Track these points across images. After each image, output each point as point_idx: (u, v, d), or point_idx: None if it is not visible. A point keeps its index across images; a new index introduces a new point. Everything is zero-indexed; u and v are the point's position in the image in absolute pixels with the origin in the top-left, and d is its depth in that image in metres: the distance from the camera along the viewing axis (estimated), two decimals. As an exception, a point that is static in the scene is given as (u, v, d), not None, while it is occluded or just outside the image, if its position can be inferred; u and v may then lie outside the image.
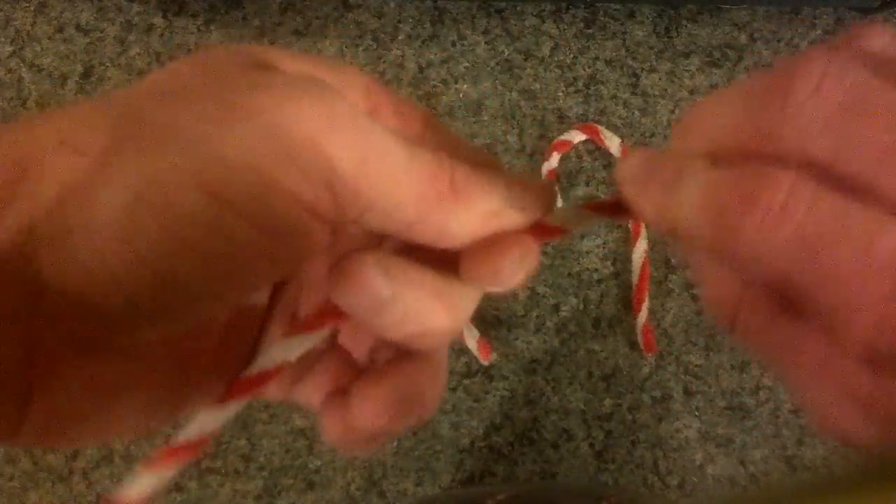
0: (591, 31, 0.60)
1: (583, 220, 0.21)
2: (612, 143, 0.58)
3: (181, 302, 0.17)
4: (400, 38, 0.60)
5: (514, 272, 0.19)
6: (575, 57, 0.60)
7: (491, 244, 0.19)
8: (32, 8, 0.61)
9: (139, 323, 0.17)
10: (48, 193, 0.16)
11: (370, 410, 0.20)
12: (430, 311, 0.19)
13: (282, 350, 0.20)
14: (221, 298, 0.17)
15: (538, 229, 0.20)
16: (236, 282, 0.17)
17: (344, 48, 0.60)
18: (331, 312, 0.20)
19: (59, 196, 0.16)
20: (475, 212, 0.19)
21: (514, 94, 0.59)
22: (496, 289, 0.19)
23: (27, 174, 0.16)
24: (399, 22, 0.61)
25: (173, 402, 0.20)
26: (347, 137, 0.17)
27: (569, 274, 0.57)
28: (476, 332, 0.56)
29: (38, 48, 0.61)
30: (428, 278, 0.19)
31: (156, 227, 0.16)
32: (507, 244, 0.19)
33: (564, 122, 0.59)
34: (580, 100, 0.59)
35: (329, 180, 0.17)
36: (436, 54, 0.60)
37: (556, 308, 0.57)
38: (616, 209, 0.20)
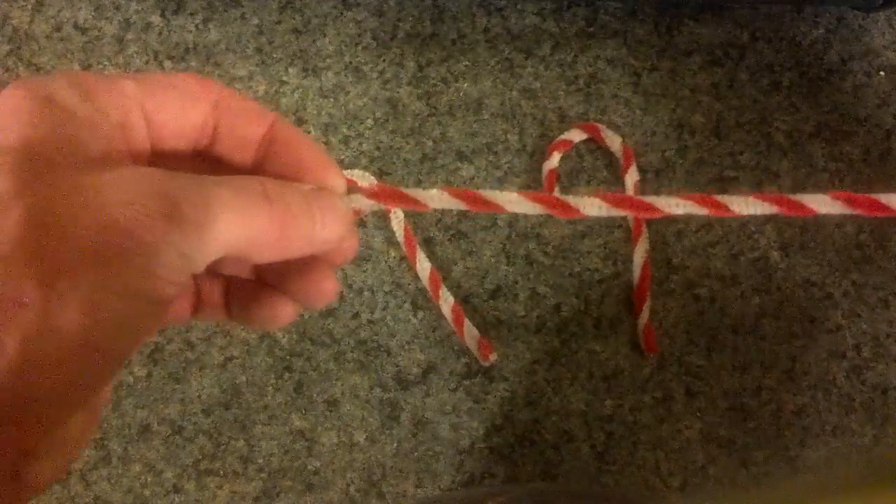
0: (591, 29, 0.60)
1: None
2: (614, 142, 0.57)
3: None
4: (399, 36, 0.60)
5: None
6: (576, 56, 0.59)
7: None
8: (30, 7, 0.61)
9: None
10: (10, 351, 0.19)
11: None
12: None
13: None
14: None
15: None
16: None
17: (343, 47, 0.60)
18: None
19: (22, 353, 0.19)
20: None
21: (515, 93, 0.59)
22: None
23: None
24: (398, 20, 0.60)
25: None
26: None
27: (569, 274, 0.57)
28: (476, 333, 0.55)
29: (36, 47, 0.61)
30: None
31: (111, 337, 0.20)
32: None
33: (565, 121, 0.59)
34: (581, 99, 0.59)
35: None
36: (435, 53, 0.60)
37: (557, 308, 0.57)
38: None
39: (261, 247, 0.23)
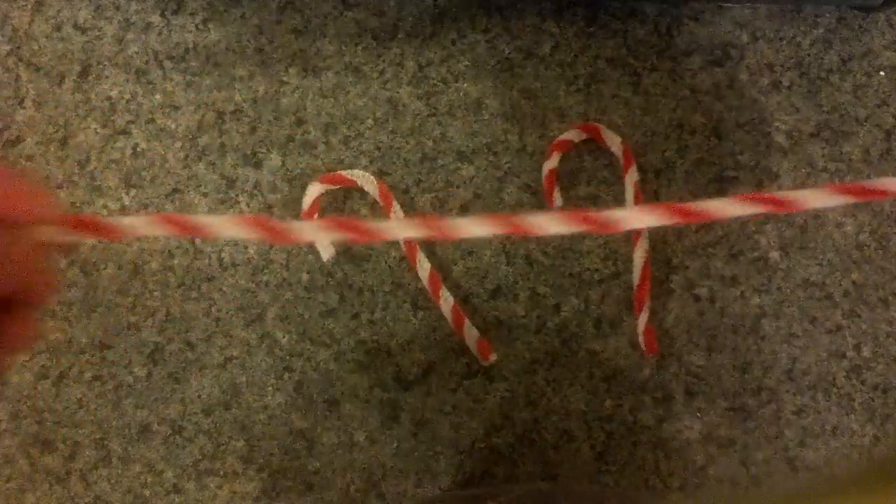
0: (591, 29, 0.60)
1: None
2: (614, 142, 0.57)
3: None
4: (399, 36, 0.60)
5: None
6: (576, 56, 0.59)
7: None
8: (30, 6, 0.61)
9: None
10: None
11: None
12: None
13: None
14: None
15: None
16: None
17: (343, 47, 0.60)
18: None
19: None
20: None
21: (515, 93, 0.59)
22: None
23: None
24: (398, 20, 0.60)
25: None
26: None
27: (570, 274, 0.57)
28: (476, 333, 0.55)
29: (36, 47, 0.61)
30: None
31: None
32: None
33: (565, 121, 0.59)
34: (581, 99, 0.59)
35: None
36: (435, 53, 0.60)
37: (557, 308, 0.57)
38: None
39: None
